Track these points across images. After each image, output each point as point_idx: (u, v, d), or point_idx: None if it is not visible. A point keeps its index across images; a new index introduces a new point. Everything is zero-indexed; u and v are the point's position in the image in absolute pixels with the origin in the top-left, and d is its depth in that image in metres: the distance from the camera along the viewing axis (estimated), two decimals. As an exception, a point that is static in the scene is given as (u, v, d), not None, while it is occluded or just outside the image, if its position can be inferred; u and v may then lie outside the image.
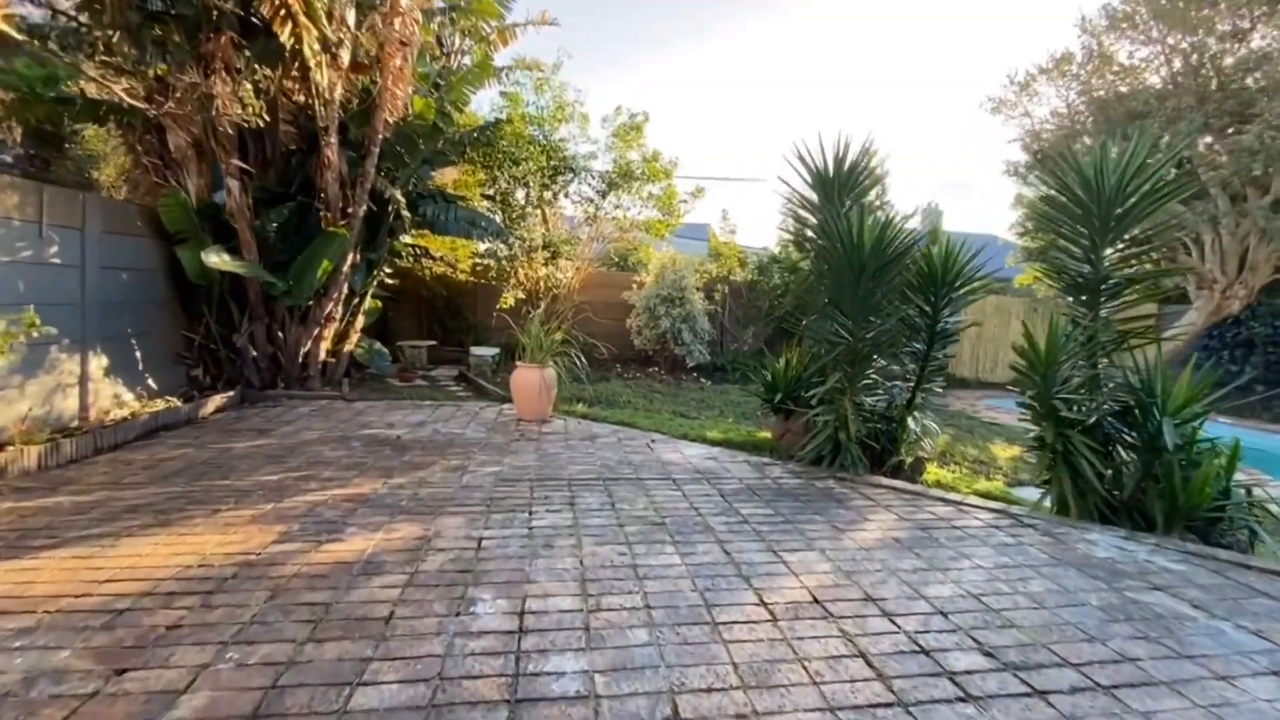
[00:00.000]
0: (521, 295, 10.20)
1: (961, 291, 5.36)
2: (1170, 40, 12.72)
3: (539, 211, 10.34)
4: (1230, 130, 10.60)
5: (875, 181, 5.64)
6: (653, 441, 5.98)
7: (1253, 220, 10.39)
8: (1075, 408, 4.06)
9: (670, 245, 12.54)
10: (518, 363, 6.89)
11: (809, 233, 6.04)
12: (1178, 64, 12.47)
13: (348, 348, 8.35)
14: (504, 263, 9.95)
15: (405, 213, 7.82)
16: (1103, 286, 4.34)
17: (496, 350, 10.48)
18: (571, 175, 9.77)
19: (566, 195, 10.02)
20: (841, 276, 5.08)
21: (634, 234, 11.27)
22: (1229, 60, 11.80)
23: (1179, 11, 11.45)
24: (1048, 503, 4.42)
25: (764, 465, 5.28)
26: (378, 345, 8.75)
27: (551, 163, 9.60)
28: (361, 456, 5.02)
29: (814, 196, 5.88)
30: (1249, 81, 11.07)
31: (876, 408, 5.37)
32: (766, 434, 6.27)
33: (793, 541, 3.57)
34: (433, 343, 11.02)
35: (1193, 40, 12.21)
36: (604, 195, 9.87)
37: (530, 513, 3.83)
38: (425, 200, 8.82)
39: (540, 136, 9.51)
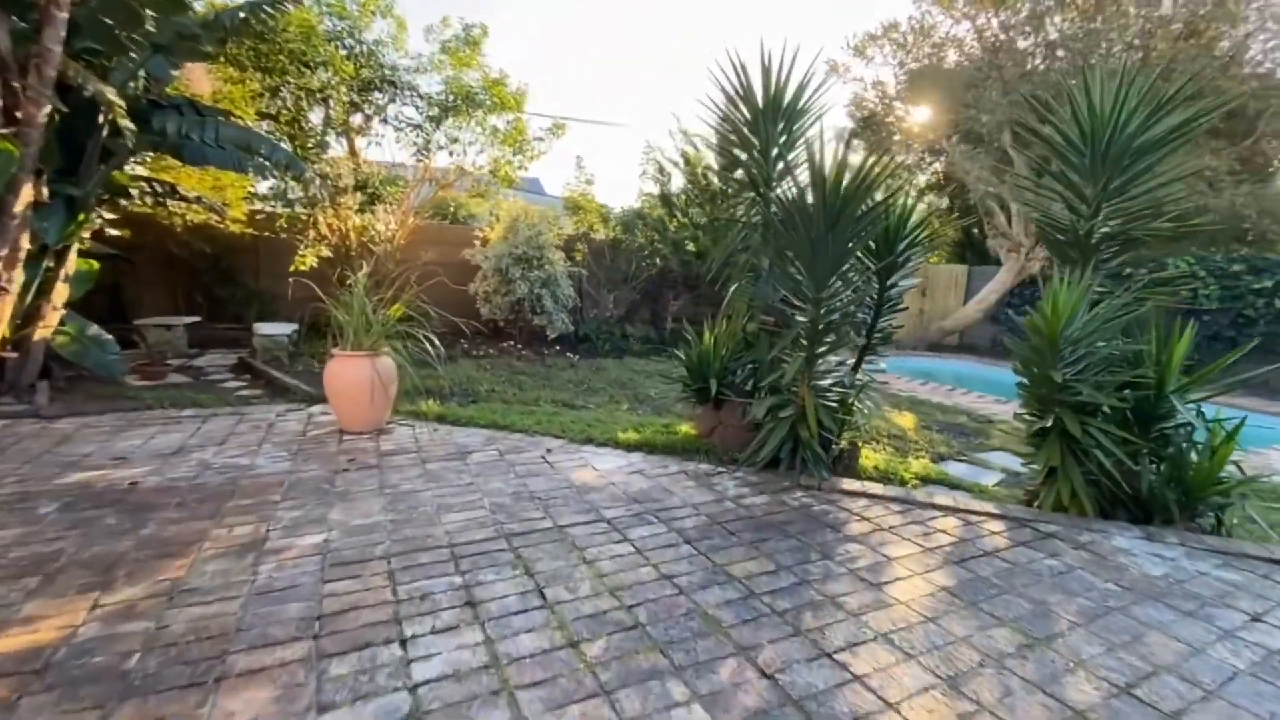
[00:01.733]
0: (327, 253, 7.67)
1: (914, 250, 4.53)
2: (980, 20, 13.61)
3: (346, 141, 7.81)
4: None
5: (819, 113, 4.54)
6: (549, 452, 4.42)
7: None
8: (1096, 391, 3.37)
9: (517, 197, 10.58)
10: (335, 350, 4.79)
11: (740, 173, 4.78)
12: (981, 41, 13.39)
13: (40, 334, 5.39)
14: (299, 209, 7.31)
15: (127, 124, 5.04)
16: (1100, 244, 3.70)
17: (293, 327, 7.88)
18: (393, 91, 7.34)
19: (385, 120, 7.60)
20: (799, 229, 3.91)
21: (478, 177, 9.16)
22: (1022, 43, 12.91)
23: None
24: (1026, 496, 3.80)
25: (708, 477, 4.04)
26: (93, 329, 5.82)
27: (362, 73, 7.12)
28: (54, 539, 2.78)
29: (738, 131, 4.61)
30: (1041, 65, 12.15)
31: (830, 392, 4.39)
32: (687, 427, 5.04)
33: (830, 619, 2.36)
34: (195, 319, 8.00)
35: (1000, 21, 13.13)
36: (437, 123, 7.66)
37: (403, 644, 2.13)
38: (165, 112, 5.92)
39: (342, 31, 6.94)
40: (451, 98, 7.57)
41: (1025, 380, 3.70)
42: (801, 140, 4.36)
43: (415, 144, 7.65)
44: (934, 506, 3.67)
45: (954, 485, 4.59)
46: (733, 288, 4.83)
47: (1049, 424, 3.51)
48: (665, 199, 10.62)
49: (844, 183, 3.64)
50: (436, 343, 4.78)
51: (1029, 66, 12.33)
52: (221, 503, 3.28)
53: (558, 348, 9.77)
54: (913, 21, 14.37)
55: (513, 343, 9.62)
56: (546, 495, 3.57)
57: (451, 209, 12.99)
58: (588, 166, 10.98)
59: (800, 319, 4.14)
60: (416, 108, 7.47)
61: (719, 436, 4.62)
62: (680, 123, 11.20)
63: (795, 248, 3.95)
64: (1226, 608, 2.64)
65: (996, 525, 3.44)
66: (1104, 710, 1.95)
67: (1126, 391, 3.47)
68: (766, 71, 4.31)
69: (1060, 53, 12.22)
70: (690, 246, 10.28)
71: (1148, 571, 2.95)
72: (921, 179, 17.34)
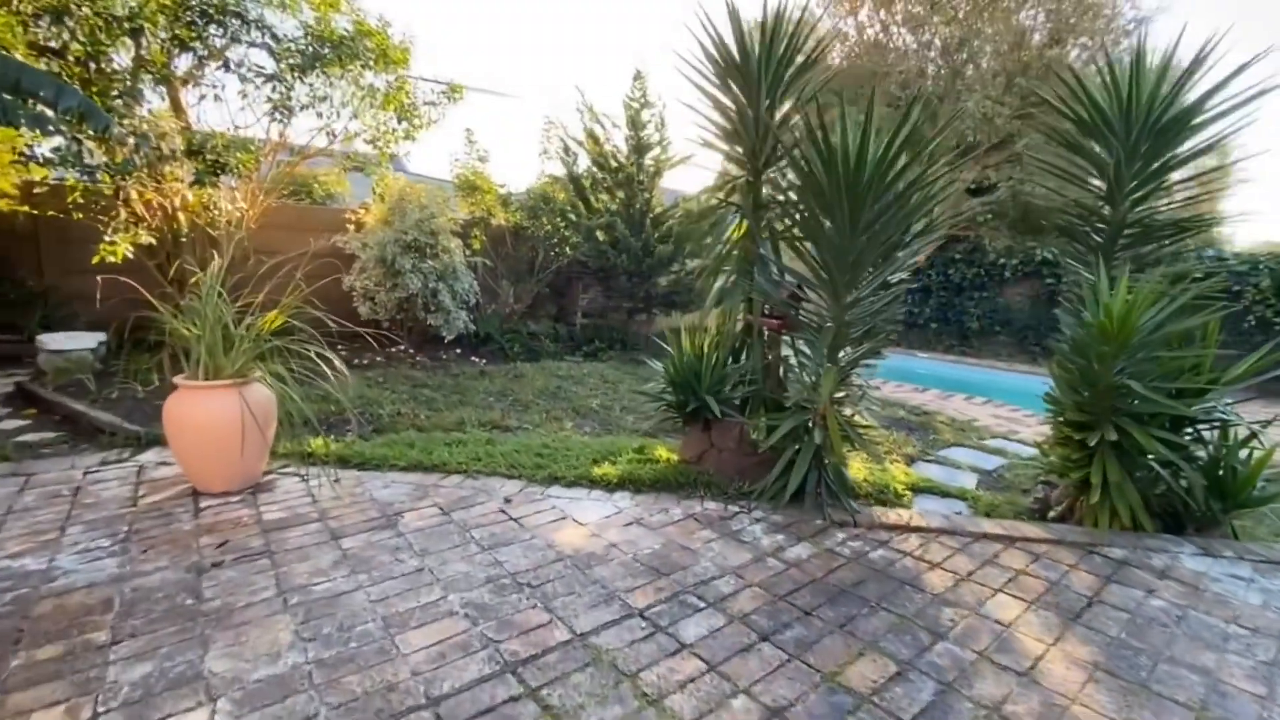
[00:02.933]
0: (149, 239, 5.77)
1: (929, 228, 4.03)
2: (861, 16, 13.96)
3: (167, 92, 5.91)
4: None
5: (823, 76, 3.85)
6: (509, 503, 3.37)
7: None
8: (1169, 398, 3.03)
9: (390, 173, 8.94)
10: (180, 379, 3.34)
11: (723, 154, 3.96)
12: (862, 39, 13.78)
13: None
14: (103, 179, 5.35)
15: None
16: (1125, 232, 3.40)
17: (101, 338, 5.90)
18: (237, 26, 5.56)
19: (227, 66, 5.80)
20: (831, 210, 3.20)
21: (354, 149, 7.47)
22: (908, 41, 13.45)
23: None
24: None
25: (724, 521, 3.24)
26: None
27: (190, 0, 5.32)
28: None
29: (718, 95, 3.81)
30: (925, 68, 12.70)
31: (845, 406, 3.78)
32: (665, 451, 4.21)
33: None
34: (-62, 331, 5.69)
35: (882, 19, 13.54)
36: (303, 72, 5.99)
37: None
38: None
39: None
40: (319, 45, 5.97)
41: (1067, 387, 3.32)
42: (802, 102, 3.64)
43: (271, 99, 5.94)
44: (985, 537, 3.18)
45: (944, 493, 4.23)
46: (716, 285, 4.06)
47: (1098, 436, 3.14)
48: (575, 181, 9.58)
49: (896, 142, 2.95)
50: (338, 364, 3.49)
51: (907, 68, 12.78)
52: (-8, 665, 1.92)
53: (457, 351, 8.43)
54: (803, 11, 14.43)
55: (402, 347, 8.12)
56: (537, 577, 2.57)
57: (310, 187, 10.91)
58: (479, 142, 9.54)
59: (814, 318, 3.46)
60: (272, 52, 5.77)
61: (712, 463, 3.85)
62: (584, 97, 10.18)
63: (814, 234, 3.24)
64: (1357, 643, 2.36)
65: (1064, 555, 3.01)
66: None
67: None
68: (712, 35, 3.52)
69: (932, 52, 12.85)
70: (601, 236, 9.36)
71: (1249, 601, 2.64)
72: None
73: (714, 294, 3.95)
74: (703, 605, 2.40)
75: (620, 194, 9.68)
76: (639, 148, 9.60)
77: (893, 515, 3.37)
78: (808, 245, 3.38)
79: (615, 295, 9.93)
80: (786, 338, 3.83)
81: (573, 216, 9.61)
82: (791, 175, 3.53)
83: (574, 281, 10.31)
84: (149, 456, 3.87)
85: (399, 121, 7.20)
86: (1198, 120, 3.14)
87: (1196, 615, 2.51)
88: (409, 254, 7.62)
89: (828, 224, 3.11)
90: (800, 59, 3.57)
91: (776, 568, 2.74)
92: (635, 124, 9.54)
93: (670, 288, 9.66)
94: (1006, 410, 7.72)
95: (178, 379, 3.34)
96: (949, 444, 5.76)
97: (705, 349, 3.91)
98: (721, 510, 3.37)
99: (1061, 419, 3.45)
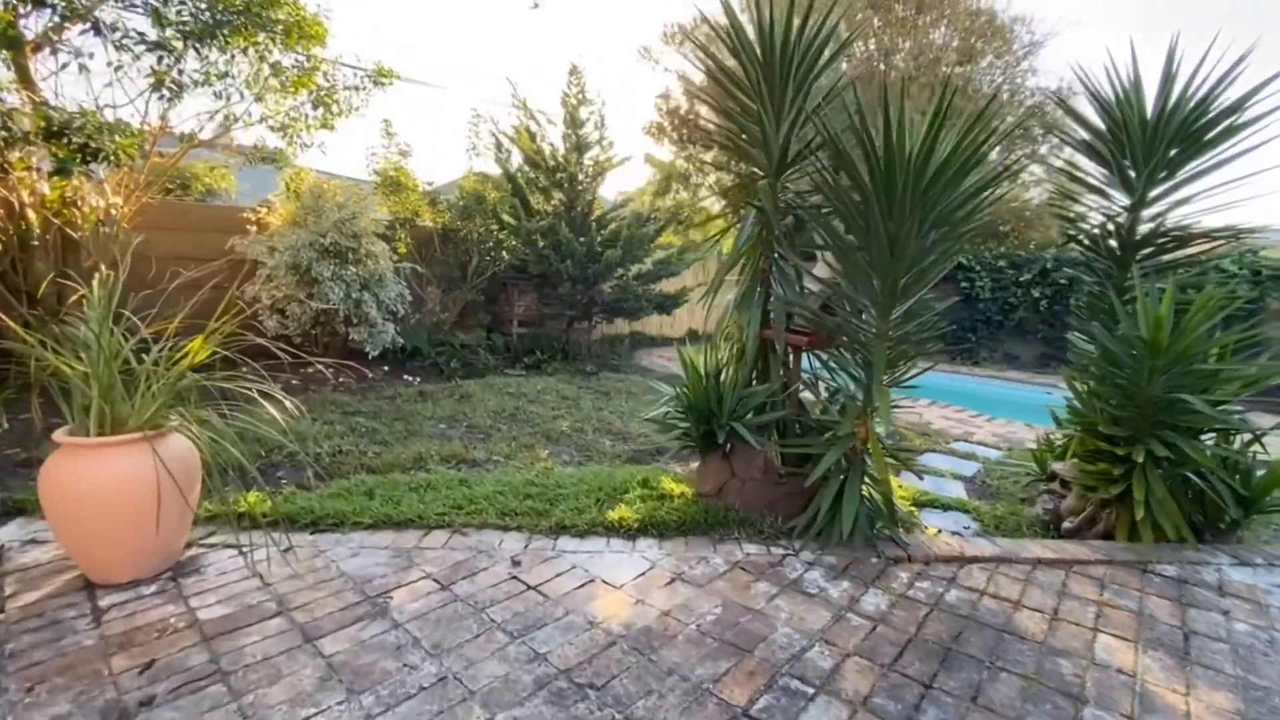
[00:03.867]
0: (-11, 244, 4.51)
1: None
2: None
3: (11, 58, 4.66)
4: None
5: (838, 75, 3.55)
6: (517, 565, 2.79)
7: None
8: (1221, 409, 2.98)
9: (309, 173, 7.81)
10: (64, 435, 2.48)
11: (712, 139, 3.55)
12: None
13: None
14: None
15: None
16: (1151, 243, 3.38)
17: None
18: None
19: (97, 30, 4.61)
20: (862, 211, 2.90)
21: (261, 139, 6.37)
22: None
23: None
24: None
25: (775, 569, 2.84)
26: None
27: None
28: None
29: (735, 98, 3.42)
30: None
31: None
32: (672, 482, 3.75)
33: None
34: None
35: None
36: (199, 41, 4.92)
37: None
38: None
39: None
40: (216, 11, 4.94)
41: (1096, 400, 3.24)
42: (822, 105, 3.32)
43: (156, 72, 4.83)
44: (1041, 563, 3.01)
45: (944, 506, 4.12)
46: (729, 297, 3.67)
47: (1142, 450, 3.06)
48: (513, 180, 8.85)
49: (940, 138, 2.68)
50: (293, 405, 2.74)
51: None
52: None
53: (385, 369, 7.49)
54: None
55: (320, 367, 7.08)
56: (596, 672, 2.04)
57: (188, 183, 9.41)
58: (398, 134, 8.60)
59: (856, 332, 3.15)
60: (158, 16, 4.66)
61: (735, 495, 3.44)
62: (516, 91, 9.46)
63: (860, 241, 2.93)
64: None
65: (1123, 577, 2.89)
66: None
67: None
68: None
69: (845, 66, 13.27)
70: (541, 241, 8.71)
71: (1313, 616, 2.61)
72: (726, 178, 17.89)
73: (733, 305, 3.55)
74: (810, 690, 1.99)
75: (559, 195, 9.09)
76: (578, 146, 9.05)
77: (941, 545, 3.13)
78: (848, 253, 3.06)
79: (555, 302, 9.31)
80: (808, 355, 3.51)
81: (509, 219, 8.89)
82: (818, 176, 3.21)
83: (508, 288, 9.59)
84: (11, 534, 2.89)
85: (314, 107, 6.22)
86: (1232, 122, 3.14)
87: (1278, 636, 2.43)
88: (327, 259, 6.64)
89: (883, 229, 2.80)
90: (829, 47, 3.23)
91: (863, 626, 2.39)
92: (574, 121, 8.99)
93: (617, 294, 9.19)
94: (952, 411, 7.94)
95: (60, 434, 2.47)
96: (920, 450, 5.73)
97: (721, 368, 3.51)
98: (766, 554, 2.98)
99: (1086, 432, 3.37)
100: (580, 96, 9.01)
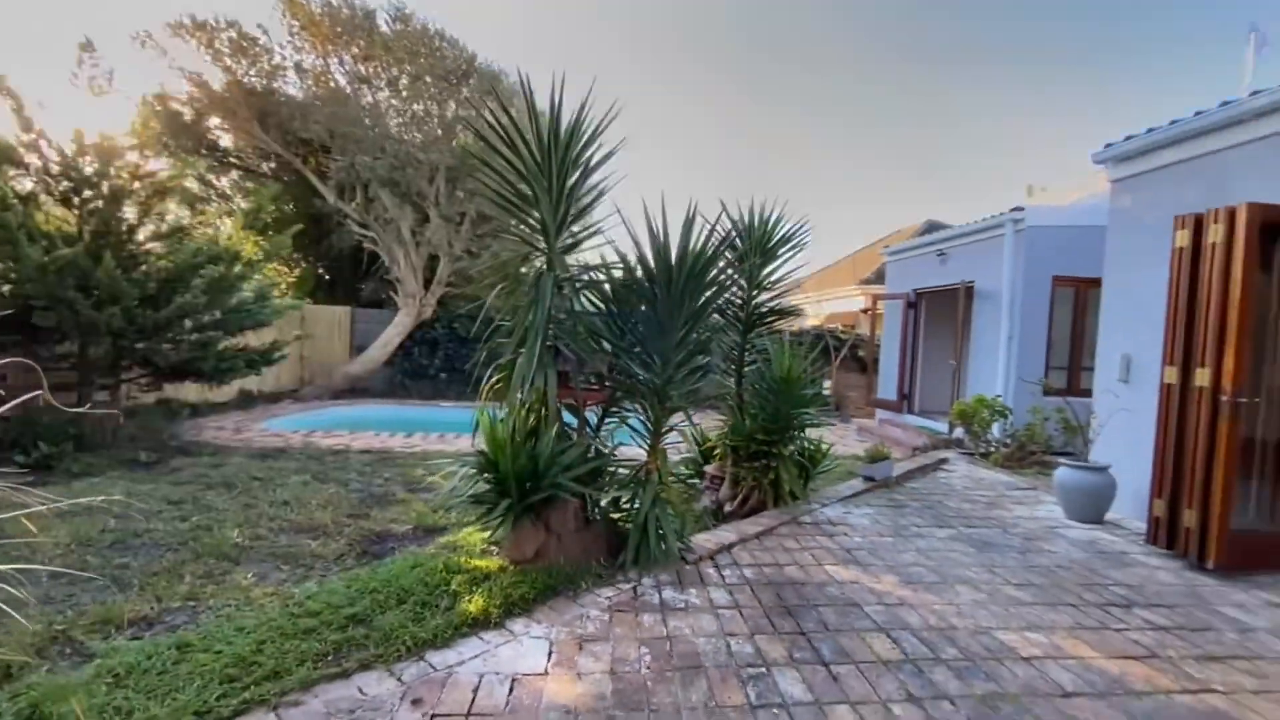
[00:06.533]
0: None
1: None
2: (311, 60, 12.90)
3: None
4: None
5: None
6: (417, 701, 2.26)
7: (427, 244, 12.63)
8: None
9: None
10: None
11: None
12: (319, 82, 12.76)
13: None
14: None
15: None
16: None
17: None
18: None
19: None
20: (650, 299, 3.62)
21: None
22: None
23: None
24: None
25: (642, 601, 3.16)
26: None
27: None
28: None
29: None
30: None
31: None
32: (483, 560, 3.48)
33: None
34: None
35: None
36: None
37: None
38: None
39: None
40: None
41: (749, 419, 4.82)
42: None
43: None
44: (760, 534, 4.28)
45: None
46: (506, 356, 3.73)
47: (786, 448, 4.75)
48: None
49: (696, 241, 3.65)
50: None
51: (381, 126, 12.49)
52: None
53: None
54: (243, 30, 12.17)
55: None
56: (636, 744, 2.05)
57: None
58: None
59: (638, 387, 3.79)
60: None
61: (554, 552, 3.53)
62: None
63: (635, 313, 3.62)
64: None
65: (794, 528, 4.43)
66: None
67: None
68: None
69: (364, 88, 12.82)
70: (58, 280, 5.82)
71: (862, 523, 4.67)
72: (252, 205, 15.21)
73: (520, 366, 3.61)
74: (761, 666, 2.53)
75: (91, 214, 6.32)
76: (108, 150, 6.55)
77: (707, 542, 4.04)
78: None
79: (61, 366, 6.37)
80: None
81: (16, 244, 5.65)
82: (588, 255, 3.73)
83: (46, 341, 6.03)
84: None
85: None
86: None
87: (858, 541, 4.30)
88: None
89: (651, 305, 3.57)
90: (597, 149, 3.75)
91: (732, 613, 3.04)
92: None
93: (193, 350, 6.97)
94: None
95: None
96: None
97: (527, 432, 3.56)
98: (619, 592, 3.26)
99: (746, 439, 4.94)
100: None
